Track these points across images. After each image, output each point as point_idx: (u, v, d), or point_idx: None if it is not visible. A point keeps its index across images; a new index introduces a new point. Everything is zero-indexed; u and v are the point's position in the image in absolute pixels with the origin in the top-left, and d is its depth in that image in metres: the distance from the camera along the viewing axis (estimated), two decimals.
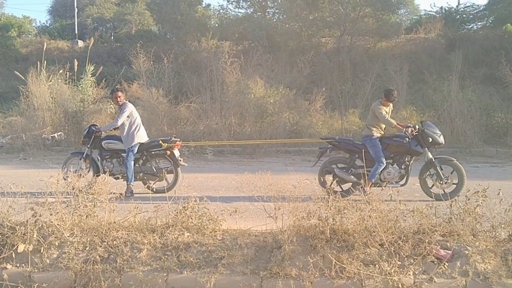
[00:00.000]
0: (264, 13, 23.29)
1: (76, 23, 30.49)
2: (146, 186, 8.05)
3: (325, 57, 19.41)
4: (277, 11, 23.71)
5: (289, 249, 4.17)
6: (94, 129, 8.03)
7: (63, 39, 28.76)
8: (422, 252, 4.01)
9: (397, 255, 4.03)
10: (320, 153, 7.89)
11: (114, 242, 4.45)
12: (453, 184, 7.20)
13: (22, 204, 4.84)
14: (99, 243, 4.46)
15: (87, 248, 4.44)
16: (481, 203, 4.45)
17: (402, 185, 7.30)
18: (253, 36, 20.21)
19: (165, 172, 8.01)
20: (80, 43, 27.25)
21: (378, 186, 7.24)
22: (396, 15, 22.74)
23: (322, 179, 7.51)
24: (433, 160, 7.31)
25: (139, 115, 8.18)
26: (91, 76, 17.22)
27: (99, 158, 8.11)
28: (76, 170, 7.84)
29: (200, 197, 4.93)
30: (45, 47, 18.24)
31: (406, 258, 4.03)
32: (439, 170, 7.25)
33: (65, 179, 7.83)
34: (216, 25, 24.44)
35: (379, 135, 7.48)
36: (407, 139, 7.25)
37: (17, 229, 4.48)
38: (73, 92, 16.31)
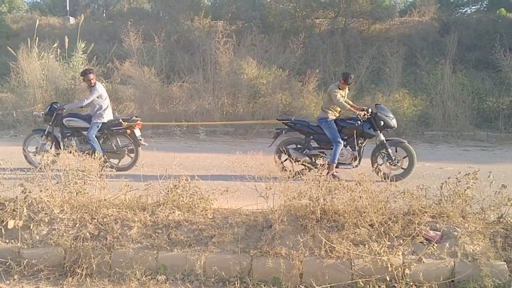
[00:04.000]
0: None
1: None
2: (106, 164, 8.11)
3: (319, 39, 19.25)
4: None
5: (280, 228, 4.19)
6: (56, 106, 8.16)
7: (54, 15, 28.26)
8: (411, 233, 4.03)
9: (387, 235, 4.06)
10: (276, 133, 8.07)
11: (105, 220, 4.44)
12: (402, 168, 7.51)
13: (11, 180, 4.80)
14: (89, 220, 4.45)
15: (77, 225, 4.43)
16: (471, 185, 4.48)
17: (355, 167, 7.50)
18: (246, 16, 19.96)
19: (126, 151, 8.17)
20: (72, 20, 26.79)
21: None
22: None
23: (277, 159, 7.67)
24: (385, 142, 7.53)
25: (108, 96, 8.36)
26: (82, 54, 17.01)
27: (60, 135, 8.20)
28: (37, 147, 8.12)
29: (191, 176, 4.92)
30: (37, 23, 17.97)
31: (395, 239, 4.06)
32: (390, 152, 7.49)
33: (25, 156, 7.99)
34: (209, 4, 24.11)
35: (334, 117, 7.71)
36: (360, 121, 7.51)
37: (6, 205, 4.47)
38: (64, 69, 16.15)
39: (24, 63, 15.63)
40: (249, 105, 14.40)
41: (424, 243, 4.01)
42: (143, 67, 15.38)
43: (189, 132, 13.37)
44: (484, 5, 22.19)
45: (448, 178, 4.57)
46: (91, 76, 8.11)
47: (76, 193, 4.83)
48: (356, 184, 4.48)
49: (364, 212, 4.20)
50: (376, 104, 7.96)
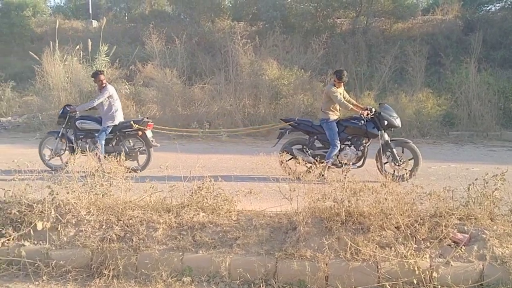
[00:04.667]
0: None
1: (90, 2, 30.38)
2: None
3: (340, 39, 19.15)
4: None
5: (304, 230, 4.18)
6: (68, 109, 8.25)
7: (77, 19, 28.71)
8: (438, 236, 3.98)
9: (414, 238, 4.01)
10: (280, 133, 8.04)
11: (130, 221, 4.49)
12: (405, 169, 7.32)
13: (39, 182, 4.88)
14: (115, 222, 4.50)
15: (103, 227, 4.49)
16: (499, 187, 4.40)
17: (359, 167, 7.43)
18: (267, 17, 19.97)
19: (138, 152, 8.22)
20: (94, 23, 27.18)
21: (338, 168, 7.29)
22: None
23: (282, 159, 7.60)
24: (389, 142, 7.41)
25: (119, 98, 8.47)
26: (105, 56, 17.25)
27: (73, 138, 8.28)
28: (53, 150, 8.21)
29: (214, 178, 4.94)
30: (57, 25, 18.26)
31: (422, 241, 4.01)
32: (395, 152, 7.36)
33: (42, 159, 8.08)
34: (230, 5, 24.18)
35: (335, 117, 7.64)
36: (363, 121, 7.41)
37: (34, 207, 4.54)
38: (87, 72, 16.37)
39: (48, 67, 15.91)
40: (270, 106, 14.40)
41: (452, 246, 3.95)
42: (165, 69, 15.52)
43: (211, 133, 13.41)
44: (509, 3, 21.72)
45: (475, 180, 4.50)
46: (102, 77, 8.25)
47: (102, 195, 4.89)
48: (381, 185, 4.44)
49: (390, 214, 4.16)
50: (380, 104, 7.90)
